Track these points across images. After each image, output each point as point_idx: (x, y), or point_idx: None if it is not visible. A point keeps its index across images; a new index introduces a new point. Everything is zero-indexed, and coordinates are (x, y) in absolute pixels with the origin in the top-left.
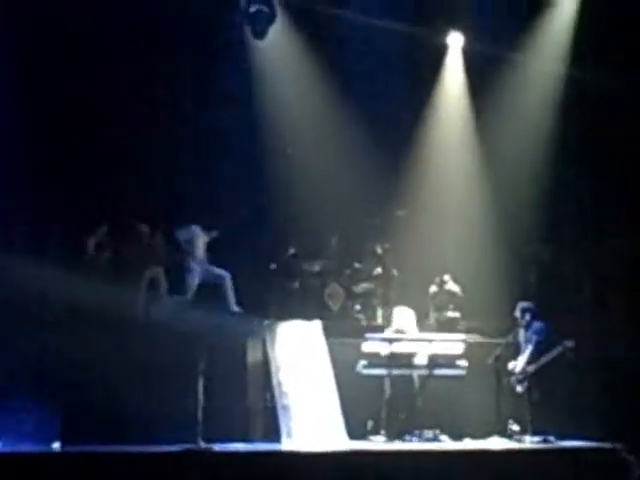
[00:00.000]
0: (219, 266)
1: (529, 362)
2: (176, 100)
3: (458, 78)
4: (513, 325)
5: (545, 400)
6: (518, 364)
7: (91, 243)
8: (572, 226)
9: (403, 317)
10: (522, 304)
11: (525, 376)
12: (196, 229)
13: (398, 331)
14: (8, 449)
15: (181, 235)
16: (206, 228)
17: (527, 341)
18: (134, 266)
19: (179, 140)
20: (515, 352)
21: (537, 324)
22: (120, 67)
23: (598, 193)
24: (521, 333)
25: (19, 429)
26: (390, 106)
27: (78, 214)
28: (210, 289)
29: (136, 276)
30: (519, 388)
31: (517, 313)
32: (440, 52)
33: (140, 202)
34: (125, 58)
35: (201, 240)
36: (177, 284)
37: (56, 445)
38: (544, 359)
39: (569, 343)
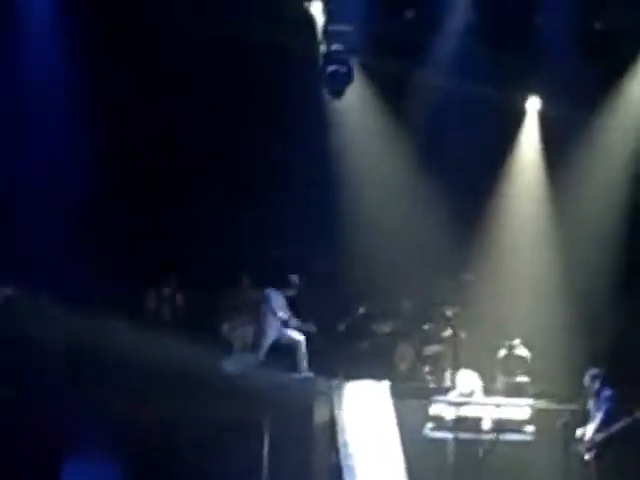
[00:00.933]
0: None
1: (597, 430)
2: (255, 159)
3: (534, 143)
4: (582, 392)
5: (613, 470)
6: (587, 432)
7: (151, 297)
8: None
9: (468, 381)
10: (592, 371)
11: (593, 444)
12: (270, 291)
13: (463, 395)
14: None
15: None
16: (280, 288)
17: (596, 409)
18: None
19: (254, 193)
20: (584, 419)
21: (607, 392)
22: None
23: None
24: (590, 400)
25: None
26: (465, 170)
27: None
28: (283, 351)
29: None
30: (587, 456)
31: (586, 380)
32: (518, 116)
33: (218, 259)
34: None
35: (279, 300)
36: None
37: None
38: (613, 428)
39: (629, 419)
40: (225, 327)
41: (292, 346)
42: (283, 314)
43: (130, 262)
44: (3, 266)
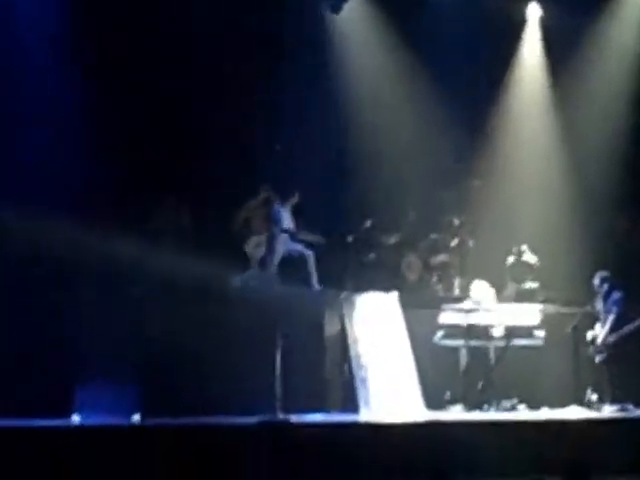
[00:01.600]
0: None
1: (609, 332)
2: (252, 74)
3: (536, 49)
4: (591, 295)
5: (624, 370)
6: (599, 334)
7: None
8: None
9: (481, 291)
10: (600, 274)
11: (605, 347)
12: (277, 206)
13: (476, 303)
14: (89, 422)
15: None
16: (283, 198)
17: (606, 311)
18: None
19: (256, 112)
20: (593, 322)
21: (617, 294)
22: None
23: None
24: (599, 303)
25: (99, 402)
26: (467, 78)
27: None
28: (292, 265)
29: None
30: (598, 358)
31: (596, 282)
32: (519, 23)
33: (220, 172)
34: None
35: (286, 214)
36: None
37: (136, 418)
38: (626, 330)
39: None
40: (250, 243)
41: (301, 259)
42: (290, 227)
43: (134, 182)
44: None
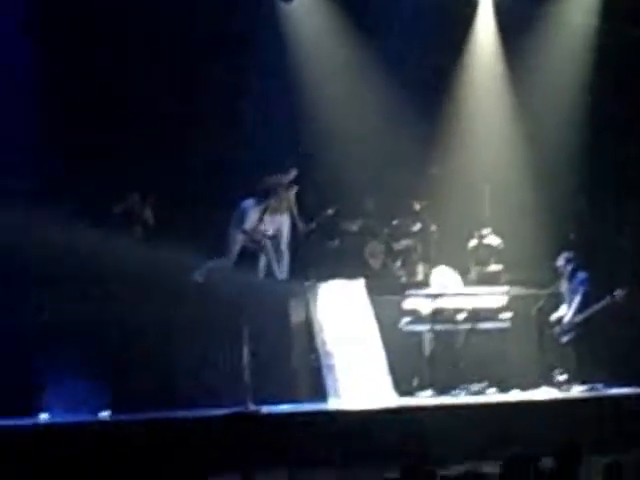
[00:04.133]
0: None
1: (576, 313)
2: (203, 65)
3: (490, 33)
4: (555, 276)
5: (592, 350)
6: (566, 315)
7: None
8: (610, 178)
9: (445, 276)
10: (565, 254)
11: (572, 326)
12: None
13: (440, 288)
14: (58, 419)
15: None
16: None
17: (572, 292)
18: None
19: (207, 105)
20: (558, 303)
21: (581, 274)
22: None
23: (632, 146)
24: (564, 284)
25: (69, 399)
26: (422, 64)
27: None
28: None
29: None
30: (565, 338)
31: (560, 263)
32: (471, 8)
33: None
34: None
35: (254, 214)
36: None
37: (106, 413)
38: (592, 309)
39: (619, 292)
40: None
41: (263, 249)
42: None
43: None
44: None
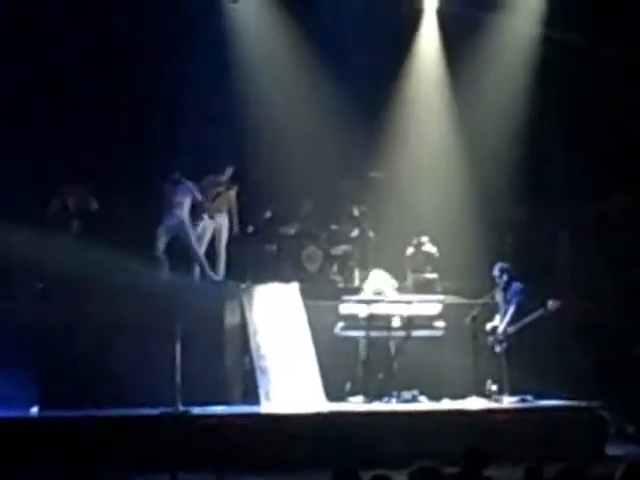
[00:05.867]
0: None
1: (510, 323)
2: (149, 63)
3: (433, 41)
4: (490, 286)
5: (524, 361)
6: (500, 325)
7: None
8: (547, 187)
9: (379, 280)
10: (500, 264)
11: (505, 337)
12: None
13: (375, 294)
14: None
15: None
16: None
17: (507, 302)
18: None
19: (149, 104)
20: (492, 313)
21: (516, 285)
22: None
23: (571, 153)
24: (499, 293)
25: None
26: (365, 69)
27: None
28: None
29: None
30: (498, 349)
31: (495, 273)
32: (416, 14)
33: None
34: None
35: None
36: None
37: (34, 410)
38: (526, 320)
39: (552, 303)
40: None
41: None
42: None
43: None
44: None
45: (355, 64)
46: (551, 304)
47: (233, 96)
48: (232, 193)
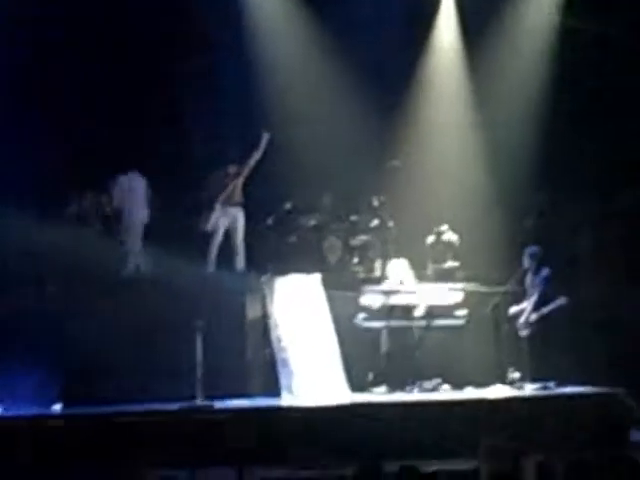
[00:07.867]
0: None
1: (532, 310)
2: (166, 54)
3: (452, 29)
4: (513, 273)
5: (546, 349)
6: (523, 309)
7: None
8: (569, 175)
9: (401, 271)
10: (530, 249)
11: (528, 323)
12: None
13: (397, 284)
14: (10, 413)
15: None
16: None
17: (534, 286)
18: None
19: (176, 99)
20: (513, 300)
21: (544, 271)
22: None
23: (594, 144)
24: (529, 278)
25: (19, 392)
26: (384, 58)
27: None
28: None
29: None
30: (523, 333)
31: (525, 258)
32: (433, 5)
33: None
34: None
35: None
36: None
37: (57, 407)
38: (545, 310)
39: (563, 300)
40: None
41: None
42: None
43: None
44: None
45: (373, 54)
46: (561, 300)
47: (253, 88)
48: (239, 182)
